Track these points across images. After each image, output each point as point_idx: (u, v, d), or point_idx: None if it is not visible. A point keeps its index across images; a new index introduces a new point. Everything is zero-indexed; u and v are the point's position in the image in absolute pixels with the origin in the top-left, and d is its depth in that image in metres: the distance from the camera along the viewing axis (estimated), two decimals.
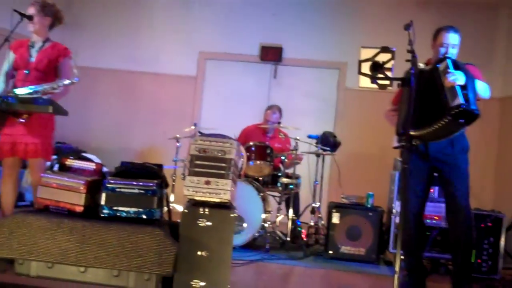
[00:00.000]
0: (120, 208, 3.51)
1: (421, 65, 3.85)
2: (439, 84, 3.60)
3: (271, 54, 7.81)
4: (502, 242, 4.74)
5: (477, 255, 4.70)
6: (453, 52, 3.96)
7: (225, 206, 3.49)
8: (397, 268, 3.27)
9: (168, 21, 8.01)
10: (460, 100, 3.47)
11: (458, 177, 3.93)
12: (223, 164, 3.47)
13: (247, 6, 7.93)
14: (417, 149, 3.89)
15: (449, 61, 3.64)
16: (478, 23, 7.50)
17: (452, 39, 3.96)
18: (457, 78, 3.54)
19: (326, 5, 7.83)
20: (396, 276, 3.23)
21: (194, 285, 3.36)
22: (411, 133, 3.51)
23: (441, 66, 3.65)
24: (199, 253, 3.41)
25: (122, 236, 3.38)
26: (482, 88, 3.79)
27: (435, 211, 4.64)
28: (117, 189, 3.52)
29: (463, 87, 3.54)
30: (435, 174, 4.03)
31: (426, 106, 3.61)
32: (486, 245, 4.73)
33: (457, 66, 3.64)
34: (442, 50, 3.96)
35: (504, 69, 7.34)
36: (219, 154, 3.49)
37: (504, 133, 6.89)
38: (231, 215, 3.45)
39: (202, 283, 3.36)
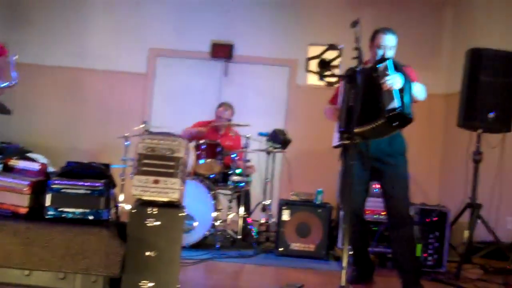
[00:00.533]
0: (66, 209, 3.43)
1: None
2: (378, 84, 3.65)
3: (222, 51, 7.79)
4: (447, 236, 4.87)
5: (423, 249, 4.82)
6: (389, 54, 4.02)
7: (174, 205, 3.46)
8: (344, 263, 3.31)
9: (117, 17, 7.88)
10: (396, 103, 3.53)
11: (396, 178, 4.02)
12: (172, 163, 3.43)
13: (198, 3, 7.89)
14: (358, 147, 3.94)
15: (389, 62, 3.68)
16: (424, 21, 7.69)
17: (389, 40, 4.02)
18: (395, 82, 3.58)
19: (277, 2, 7.87)
20: (343, 272, 3.28)
21: (142, 286, 3.31)
22: (355, 130, 3.56)
23: (381, 67, 3.69)
24: (147, 253, 3.36)
25: (67, 238, 3.30)
26: (419, 91, 3.88)
27: (381, 207, 4.70)
28: (63, 190, 3.43)
29: (401, 91, 3.60)
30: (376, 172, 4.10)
31: (365, 105, 3.64)
32: (432, 239, 4.84)
33: (396, 67, 3.69)
34: (380, 51, 4.01)
35: (449, 66, 7.55)
36: (168, 152, 3.45)
37: (448, 129, 7.07)
38: (180, 214, 3.43)
39: (151, 284, 3.32)
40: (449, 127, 6.46)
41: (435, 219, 4.83)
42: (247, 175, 5.79)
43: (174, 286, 3.33)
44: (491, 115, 5.04)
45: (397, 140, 4.05)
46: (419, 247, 4.80)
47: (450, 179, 6.39)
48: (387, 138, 3.90)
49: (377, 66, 3.74)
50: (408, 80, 3.70)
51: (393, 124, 3.59)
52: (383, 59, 3.82)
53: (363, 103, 3.62)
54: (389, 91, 3.59)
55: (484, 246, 5.48)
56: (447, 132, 7.32)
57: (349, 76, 3.53)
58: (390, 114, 3.54)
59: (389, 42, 4.02)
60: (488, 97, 5.07)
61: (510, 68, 5.18)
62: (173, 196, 3.40)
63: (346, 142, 3.69)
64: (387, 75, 3.62)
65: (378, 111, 3.62)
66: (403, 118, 3.59)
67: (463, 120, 5.19)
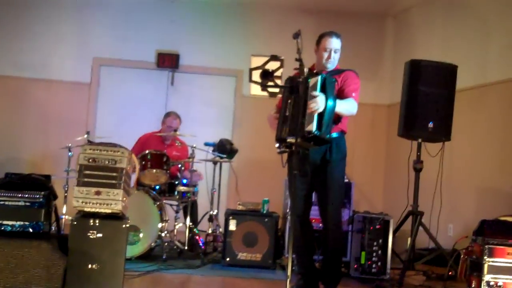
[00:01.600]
0: (5, 222, 3.35)
1: (305, 70, 4.00)
2: (305, 99, 3.72)
3: (168, 61, 7.76)
4: (390, 243, 4.97)
5: (367, 257, 4.90)
6: (335, 57, 4.13)
7: (117, 217, 3.41)
8: (288, 272, 3.34)
9: (60, 24, 7.71)
10: (313, 127, 3.64)
11: (332, 185, 4.08)
12: (114, 174, 3.40)
13: (143, 12, 7.84)
14: (301, 154, 3.98)
15: (320, 80, 3.74)
16: (366, 33, 7.88)
17: (335, 44, 4.12)
18: (317, 106, 3.65)
19: (223, 13, 7.90)
20: (288, 280, 3.30)
21: None
22: (288, 139, 3.70)
23: (311, 82, 3.76)
24: (89, 266, 3.31)
25: (6, 251, 3.22)
26: (347, 108, 3.98)
27: None
28: (1, 202, 3.36)
29: (321, 115, 3.69)
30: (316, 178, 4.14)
31: (297, 115, 3.73)
32: (376, 246, 4.93)
33: (325, 85, 3.75)
34: (325, 54, 4.10)
35: (392, 77, 7.74)
36: (110, 163, 3.41)
37: (391, 139, 7.24)
38: (123, 226, 3.39)
39: None
40: (392, 136, 6.62)
41: (378, 227, 4.92)
42: (194, 185, 5.77)
43: None
44: (431, 124, 5.19)
45: (339, 146, 4.12)
46: (363, 254, 4.90)
47: (393, 188, 6.54)
48: (328, 145, 3.98)
49: (307, 80, 3.80)
50: (332, 102, 3.76)
51: (310, 142, 3.74)
52: (315, 73, 3.89)
53: (295, 114, 3.74)
54: (311, 113, 3.68)
55: (426, 253, 5.61)
56: (389, 141, 7.49)
57: (291, 87, 3.59)
58: (306, 135, 3.67)
59: (334, 45, 4.11)
60: (428, 107, 5.22)
61: (448, 79, 5.35)
62: (116, 208, 3.36)
63: (284, 149, 3.79)
64: (312, 96, 3.69)
65: (302, 126, 3.71)
66: (318, 139, 3.73)
67: (404, 129, 5.32)
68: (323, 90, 3.75)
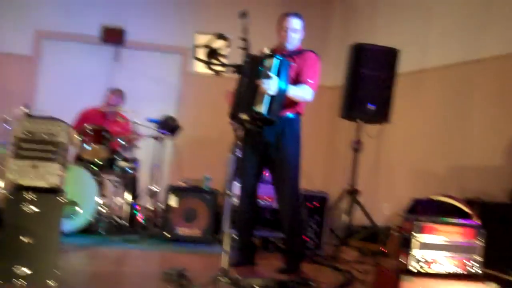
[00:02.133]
0: None
1: (266, 50, 4.06)
2: (259, 76, 3.81)
3: (113, 36, 7.61)
4: (327, 220, 5.11)
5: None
6: (294, 37, 4.20)
7: (53, 191, 3.38)
8: (226, 246, 3.41)
9: None
10: (263, 109, 3.76)
11: (286, 165, 4.15)
12: (51, 147, 3.35)
13: None
14: (252, 131, 4.05)
15: (276, 62, 3.84)
16: (313, 15, 7.91)
17: (293, 23, 4.18)
18: (270, 88, 3.76)
19: None
20: (224, 254, 3.37)
21: (19, 273, 3.22)
22: (239, 115, 3.78)
23: (267, 63, 3.84)
24: (24, 240, 3.27)
25: None
26: (299, 95, 4.07)
27: (266, 193, 4.85)
28: None
29: (272, 97, 3.80)
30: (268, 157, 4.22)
31: (251, 93, 3.83)
32: (313, 223, 5.06)
33: (280, 69, 3.85)
34: (283, 34, 4.17)
35: (337, 59, 7.85)
36: (47, 137, 3.36)
37: (333, 120, 7.37)
38: (60, 200, 3.36)
39: (28, 271, 3.23)
40: (334, 117, 6.75)
41: (316, 204, 5.04)
42: (135, 160, 5.74)
43: (53, 272, 3.25)
44: (371, 107, 5.33)
45: (293, 127, 4.19)
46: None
47: (333, 167, 6.70)
48: (281, 122, 4.05)
49: (263, 60, 3.85)
50: (285, 85, 3.87)
51: (258, 122, 3.86)
52: (270, 55, 3.94)
53: (250, 91, 3.80)
54: (262, 94, 3.77)
55: (361, 230, 5.80)
56: (332, 122, 7.63)
57: (237, 66, 3.63)
58: (254, 114, 3.79)
59: (294, 25, 4.18)
60: (369, 90, 5.36)
61: (390, 63, 5.49)
62: (52, 181, 3.32)
63: (236, 124, 3.88)
64: (267, 76, 3.77)
65: (252, 104, 3.81)
66: (266, 120, 3.85)
67: (345, 111, 5.45)
68: (279, 73, 3.82)
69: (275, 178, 4.25)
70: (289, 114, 4.13)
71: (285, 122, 4.11)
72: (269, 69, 3.81)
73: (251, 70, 3.88)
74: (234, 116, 3.91)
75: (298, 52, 4.25)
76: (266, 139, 4.12)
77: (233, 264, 4.18)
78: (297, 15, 4.23)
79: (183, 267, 3.67)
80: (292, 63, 4.07)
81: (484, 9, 5.56)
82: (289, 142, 4.15)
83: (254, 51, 3.84)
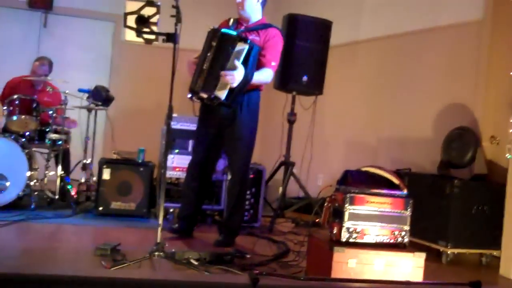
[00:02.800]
0: None
1: (231, 21, 4.13)
2: (226, 59, 3.84)
3: (41, 1, 7.32)
4: (262, 192, 5.15)
5: None
6: (246, 5, 4.16)
7: None
8: (160, 220, 3.38)
9: None
10: (222, 96, 3.85)
11: (240, 139, 4.13)
12: None
13: None
14: (208, 104, 4.07)
15: (245, 50, 3.85)
16: None
17: None
18: (233, 80, 3.80)
19: None
20: (159, 228, 3.34)
21: None
22: (200, 94, 3.91)
23: (237, 48, 3.85)
24: None
25: None
26: (261, 79, 4.08)
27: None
28: None
29: (232, 89, 3.85)
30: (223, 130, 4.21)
31: (212, 70, 3.86)
32: (249, 195, 5.07)
33: (249, 57, 3.86)
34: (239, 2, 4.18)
35: None
36: None
37: (267, 92, 7.36)
38: None
39: None
40: (269, 89, 6.77)
41: (251, 176, 5.06)
42: (67, 133, 5.58)
43: None
44: (305, 78, 5.37)
45: (251, 101, 4.15)
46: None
47: (268, 139, 6.74)
48: (245, 98, 4.07)
49: (232, 45, 3.86)
50: (250, 76, 3.89)
51: (214, 102, 3.94)
52: (245, 38, 3.94)
53: (211, 71, 3.86)
54: (225, 83, 3.81)
55: (296, 202, 5.90)
56: (266, 94, 7.61)
57: (168, 34, 3.54)
58: (212, 98, 3.89)
59: None
60: (303, 61, 5.39)
61: (323, 35, 5.53)
62: None
63: (193, 98, 4.01)
64: (234, 67, 3.80)
65: (213, 87, 3.86)
66: (224, 105, 3.94)
67: (279, 82, 5.46)
68: (246, 61, 3.82)
69: (228, 151, 4.25)
70: (248, 89, 4.11)
71: (243, 97, 4.09)
72: (238, 55, 3.82)
73: (219, 48, 3.86)
74: (193, 92, 3.94)
75: (263, 26, 4.20)
76: (222, 112, 4.10)
77: (171, 231, 4.25)
78: None
79: (117, 242, 3.62)
80: (259, 47, 4.01)
81: None
82: (244, 116, 4.12)
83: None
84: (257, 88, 4.20)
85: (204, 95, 3.92)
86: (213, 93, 3.86)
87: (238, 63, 3.82)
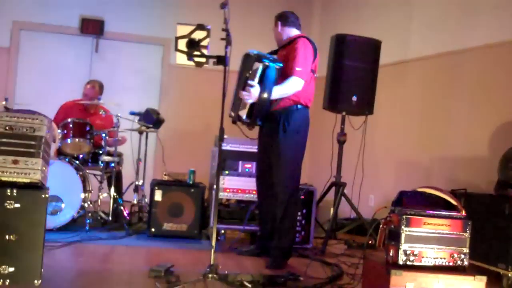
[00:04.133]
0: None
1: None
2: (245, 80, 3.96)
3: (92, 27, 7.52)
4: (314, 213, 5.09)
5: None
6: (275, 35, 4.45)
7: (36, 187, 3.30)
8: (213, 242, 3.37)
9: None
10: (244, 114, 4.03)
11: (276, 160, 4.11)
12: (33, 142, 3.26)
13: None
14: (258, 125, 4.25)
15: (260, 69, 3.94)
16: (294, 6, 7.78)
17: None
18: (249, 98, 3.93)
19: None
20: (212, 250, 3.33)
21: (1, 271, 3.15)
22: (231, 115, 4.12)
23: (253, 68, 3.95)
24: (7, 237, 3.19)
25: None
26: (284, 92, 4.07)
27: (251, 186, 4.81)
28: None
29: (253, 104, 3.98)
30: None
31: (237, 90, 4.05)
32: (300, 216, 5.03)
33: (265, 74, 3.94)
34: None
35: (319, 50, 7.81)
36: (28, 131, 3.28)
37: (316, 112, 7.32)
38: (43, 195, 3.27)
39: (11, 269, 3.15)
40: (317, 109, 6.74)
41: (302, 197, 5.01)
42: (119, 155, 5.66)
43: (37, 270, 3.18)
44: (354, 98, 5.31)
45: (289, 119, 4.13)
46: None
47: (318, 159, 6.68)
48: (277, 115, 4.13)
49: (251, 66, 3.97)
50: (267, 93, 3.95)
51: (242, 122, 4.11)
52: (261, 58, 3.97)
53: (235, 93, 4.09)
54: (243, 101, 3.98)
55: (348, 223, 5.80)
56: (315, 114, 7.54)
57: (218, 57, 3.58)
58: (236, 118, 4.07)
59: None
60: (352, 81, 5.34)
61: (372, 54, 5.47)
62: (34, 177, 3.24)
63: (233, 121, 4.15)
64: (249, 85, 3.89)
65: (237, 107, 4.06)
66: (249, 124, 4.10)
67: (328, 102, 5.42)
68: (262, 79, 3.89)
69: (270, 173, 4.22)
70: (287, 106, 4.12)
71: (281, 115, 4.11)
72: (254, 75, 3.90)
73: (241, 70, 4.00)
74: (231, 115, 4.12)
75: (289, 42, 4.28)
76: (263, 132, 4.28)
77: (252, 254, 4.37)
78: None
79: (170, 263, 3.62)
80: (279, 63, 4.03)
81: (465, 0, 5.59)
82: (282, 135, 4.11)
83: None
84: (295, 104, 4.16)
85: (233, 117, 4.09)
86: (237, 114, 4.02)
87: (253, 82, 3.91)
